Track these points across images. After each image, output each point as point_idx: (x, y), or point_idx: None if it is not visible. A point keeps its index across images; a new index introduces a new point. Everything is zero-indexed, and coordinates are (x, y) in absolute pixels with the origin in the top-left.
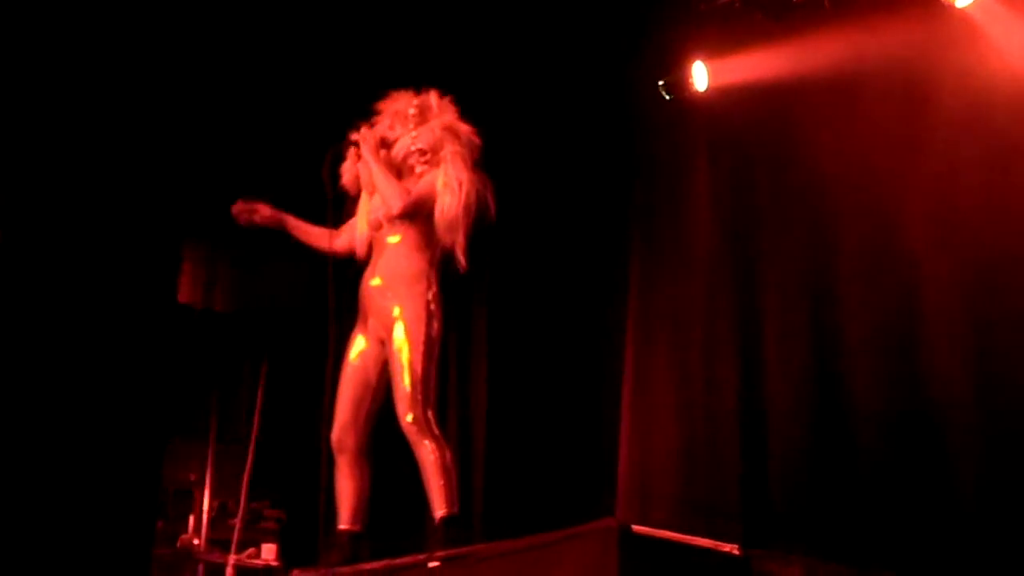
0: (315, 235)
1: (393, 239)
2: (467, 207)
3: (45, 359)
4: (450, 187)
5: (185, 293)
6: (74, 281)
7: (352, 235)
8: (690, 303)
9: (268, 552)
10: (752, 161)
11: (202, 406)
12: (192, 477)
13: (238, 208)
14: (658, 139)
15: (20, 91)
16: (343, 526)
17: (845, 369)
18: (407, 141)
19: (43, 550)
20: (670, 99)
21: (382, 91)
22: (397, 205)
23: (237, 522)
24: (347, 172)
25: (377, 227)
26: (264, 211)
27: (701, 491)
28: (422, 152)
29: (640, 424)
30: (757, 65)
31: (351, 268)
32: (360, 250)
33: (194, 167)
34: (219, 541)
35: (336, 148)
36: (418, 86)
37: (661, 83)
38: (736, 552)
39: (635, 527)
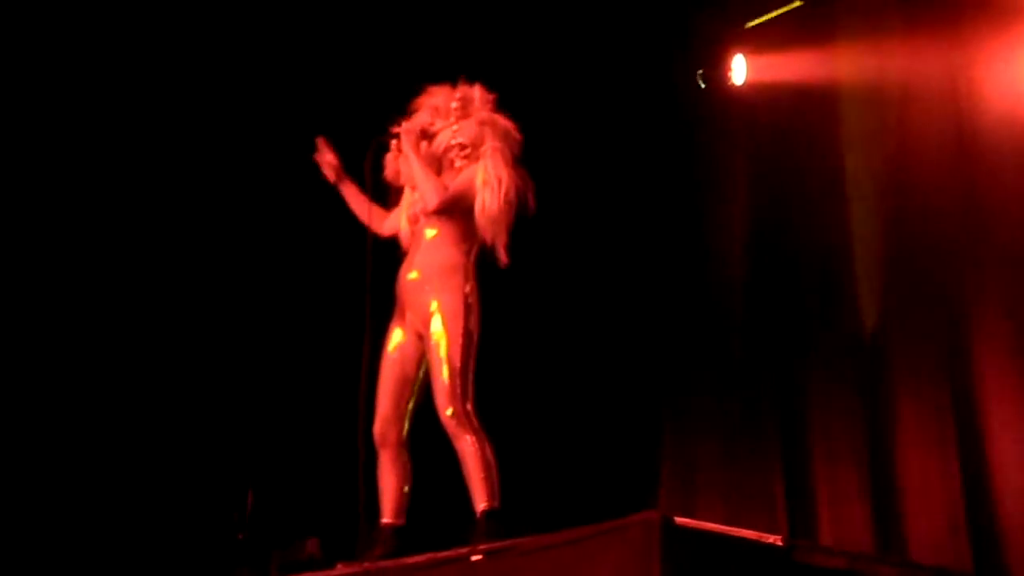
0: (365, 210)
1: (431, 233)
2: (508, 203)
3: None
4: (490, 183)
5: None
6: None
7: (398, 222)
8: (729, 293)
9: (312, 545)
10: (785, 157)
11: None
12: None
13: (318, 143)
14: (696, 130)
15: None
16: (386, 520)
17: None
18: (447, 135)
19: None
20: (705, 88)
21: (423, 85)
22: (434, 200)
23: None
24: (389, 165)
25: (415, 221)
26: (331, 161)
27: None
28: (462, 146)
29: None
30: (798, 65)
31: (390, 261)
32: (403, 243)
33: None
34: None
35: (378, 141)
36: (459, 80)
37: (699, 72)
38: (779, 543)
39: (678, 519)
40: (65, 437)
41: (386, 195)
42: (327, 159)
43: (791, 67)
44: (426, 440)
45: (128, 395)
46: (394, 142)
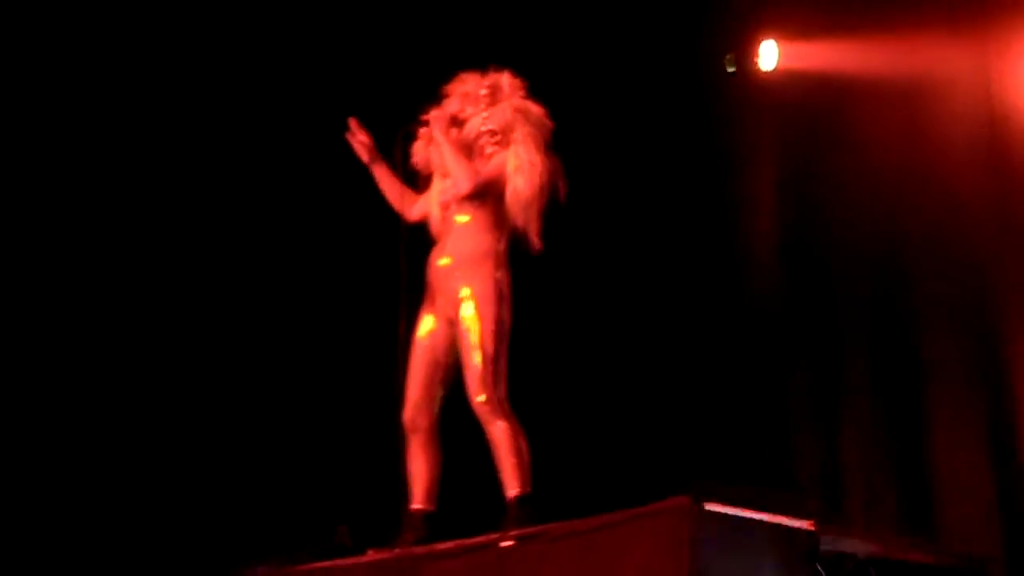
0: (397, 193)
1: (462, 219)
2: (540, 188)
3: None
4: (522, 169)
5: None
6: None
7: (427, 207)
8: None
9: (342, 532)
10: (812, 147)
11: None
12: None
13: (351, 124)
14: (724, 116)
15: None
16: (416, 505)
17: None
18: (478, 122)
19: None
20: (733, 73)
21: (453, 72)
22: (466, 185)
23: None
24: (418, 152)
25: (447, 208)
26: (365, 140)
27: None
28: (492, 133)
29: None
30: (830, 54)
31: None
32: (433, 229)
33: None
34: None
35: (407, 128)
36: (489, 67)
37: (728, 56)
38: (810, 527)
39: (707, 504)
40: (107, 426)
41: (415, 183)
42: (360, 139)
43: (823, 56)
44: (458, 426)
45: (162, 381)
46: (424, 129)
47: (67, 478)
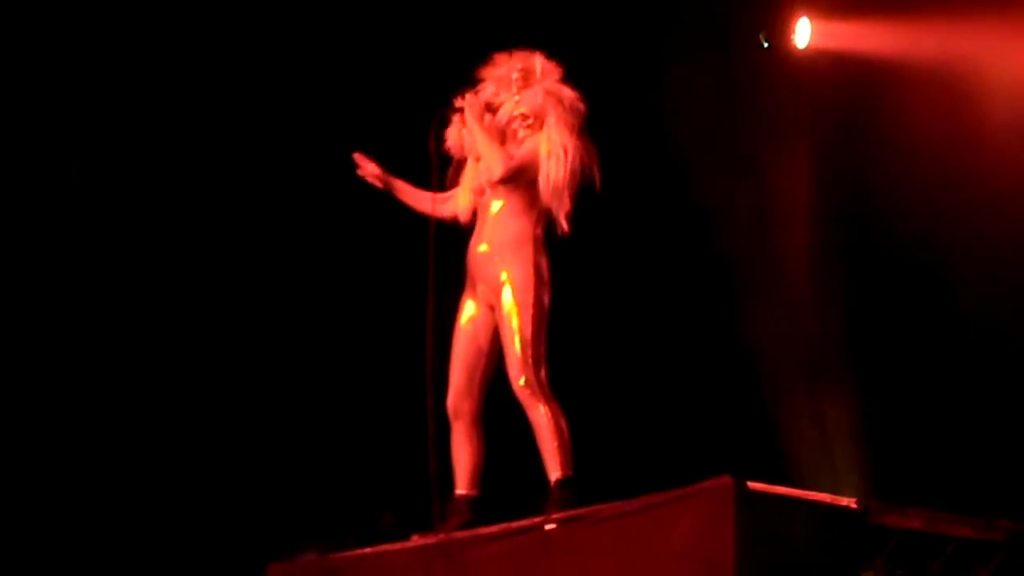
0: (420, 199)
1: (497, 205)
2: (572, 173)
3: None
4: (555, 153)
5: None
6: None
7: (456, 202)
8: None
9: (387, 518)
10: (845, 129)
11: None
12: None
13: (356, 160)
14: (758, 91)
15: None
16: (460, 491)
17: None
18: (510, 106)
19: None
20: (768, 48)
21: (487, 56)
22: (499, 169)
23: None
24: (451, 137)
25: (481, 193)
26: (373, 169)
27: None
28: (525, 117)
29: None
30: (864, 34)
31: (455, 235)
32: (464, 216)
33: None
34: None
35: (441, 113)
36: (523, 49)
37: (762, 33)
38: (854, 506)
39: (751, 483)
40: (133, 418)
41: (448, 168)
42: (369, 171)
43: (859, 35)
44: (500, 410)
45: (207, 369)
46: (457, 114)
47: (111, 467)
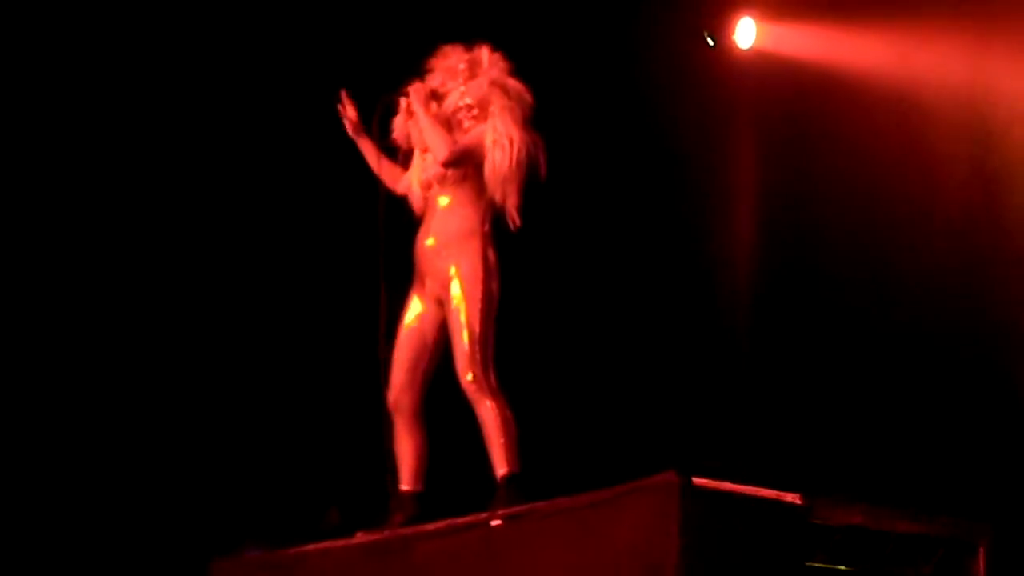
0: (382, 168)
1: (444, 199)
2: (518, 163)
3: None
4: (500, 143)
5: None
6: None
7: (411, 183)
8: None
9: (331, 513)
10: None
11: None
12: None
13: (342, 96)
14: (699, 91)
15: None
16: (404, 487)
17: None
18: (456, 96)
19: None
20: (713, 47)
21: (434, 46)
22: (442, 154)
23: None
24: (397, 126)
25: (428, 187)
26: (351, 115)
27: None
28: (470, 107)
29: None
30: (811, 37)
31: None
32: (415, 206)
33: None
34: None
35: (386, 101)
36: (470, 41)
37: (707, 31)
38: (798, 501)
39: (696, 480)
40: (93, 413)
41: (394, 157)
42: (348, 114)
43: (806, 39)
44: (446, 405)
45: (147, 367)
46: (403, 102)
47: (51, 467)
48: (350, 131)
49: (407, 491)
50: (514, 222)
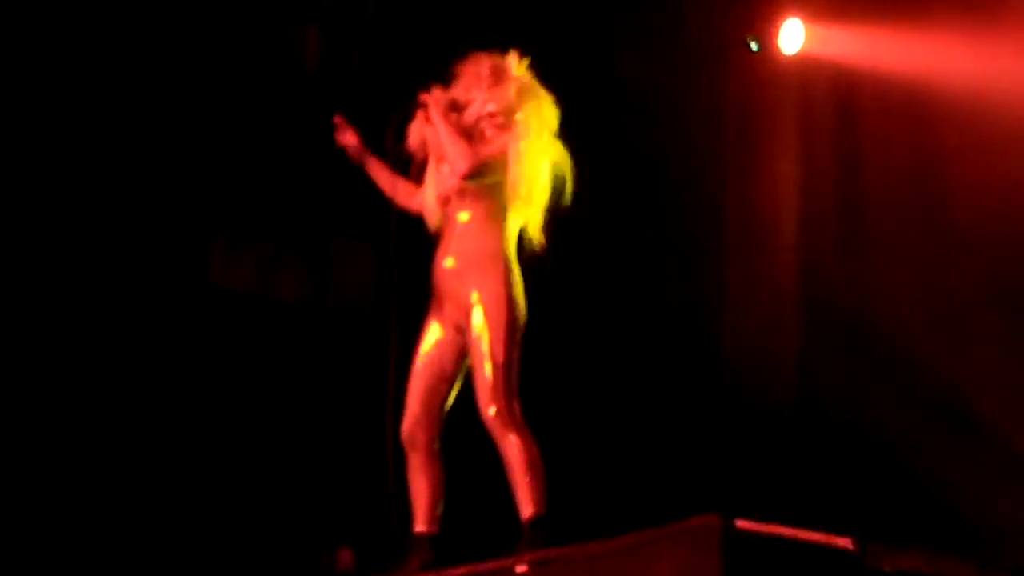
0: (395, 187)
1: (464, 215)
2: (541, 177)
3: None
4: (523, 155)
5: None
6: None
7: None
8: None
9: (345, 556)
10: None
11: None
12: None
13: (337, 123)
14: (747, 97)
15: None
16: (419, 529)
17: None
18: (479, 104)
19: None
20: (756, 52)
21: (463, 53)
22: (462, 165)
23: None
24: (413, 135)
25: (446, 202)
26: (350, 139)
27: None
28: (493, 115)
29: None
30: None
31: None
32: (430, 221)
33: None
34: None
35: (402, 109)
36: (499, 48)
37: (749, 35)
38: (850, 546)
39: (739, 522)
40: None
41: (408, 169)
42: (347, 139)
43: (862, 44)
44: (467, 440)
45: (149, 394)
46: (420, 111)
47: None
48: (353, 157)
49: (422, 533)
50: (539, 242)
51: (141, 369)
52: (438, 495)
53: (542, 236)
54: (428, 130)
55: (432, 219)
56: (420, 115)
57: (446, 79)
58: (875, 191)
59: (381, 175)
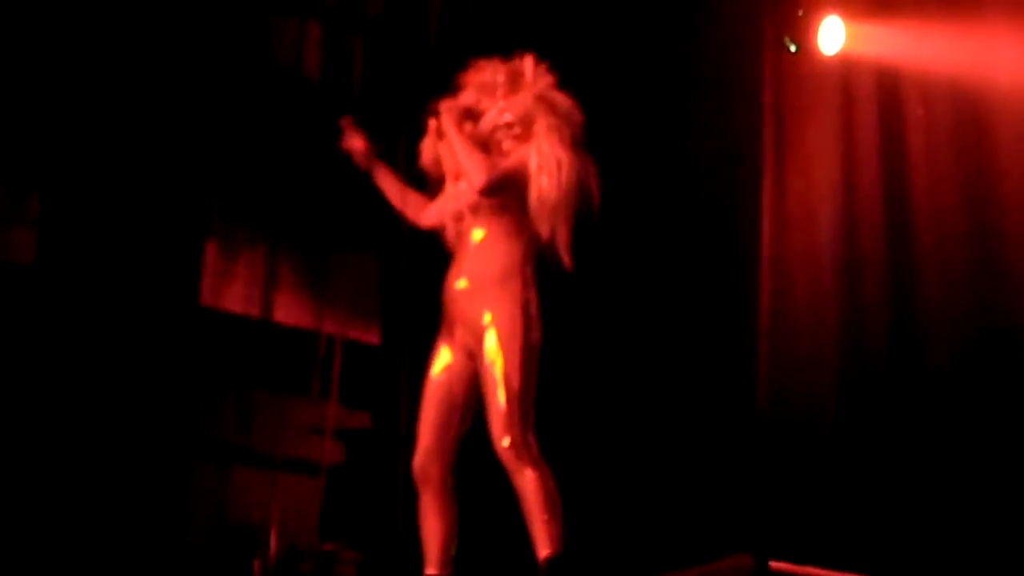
0: (404, 198)
1: (479, 233)
2: (568, 191)
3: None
4: (546, 167)
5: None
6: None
7: (442, 212)
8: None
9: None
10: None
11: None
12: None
13: (344, 127)
14: (785, 100)
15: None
16: (431, 571)
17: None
18: (495, 114)
19: None
20: (795, 52)
21: (470, 60)
22: (480, 180)
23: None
24: (426, 150)
25: (460, 218)
26: (357, 145)
27: None
28: (510, 125)
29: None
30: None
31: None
32: (448, 243)
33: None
34: None
35: (413, 121)
36: (511, 54)
37: (786, 36)
38: None
39: (773, 562)
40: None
41: (423, 187)
42: (354, 144)
43: (906, 42)
44: (479, 474)
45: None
46: (434, 123)
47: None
48: (361, 163)
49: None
50: (566, 261)
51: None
52: (452, 535)
53: (570, 255)
54: (441, 144)
55: (449, 239)
56: (433, 127)
57: (459, 86)
58: (923, 200)
59: (390, 185)
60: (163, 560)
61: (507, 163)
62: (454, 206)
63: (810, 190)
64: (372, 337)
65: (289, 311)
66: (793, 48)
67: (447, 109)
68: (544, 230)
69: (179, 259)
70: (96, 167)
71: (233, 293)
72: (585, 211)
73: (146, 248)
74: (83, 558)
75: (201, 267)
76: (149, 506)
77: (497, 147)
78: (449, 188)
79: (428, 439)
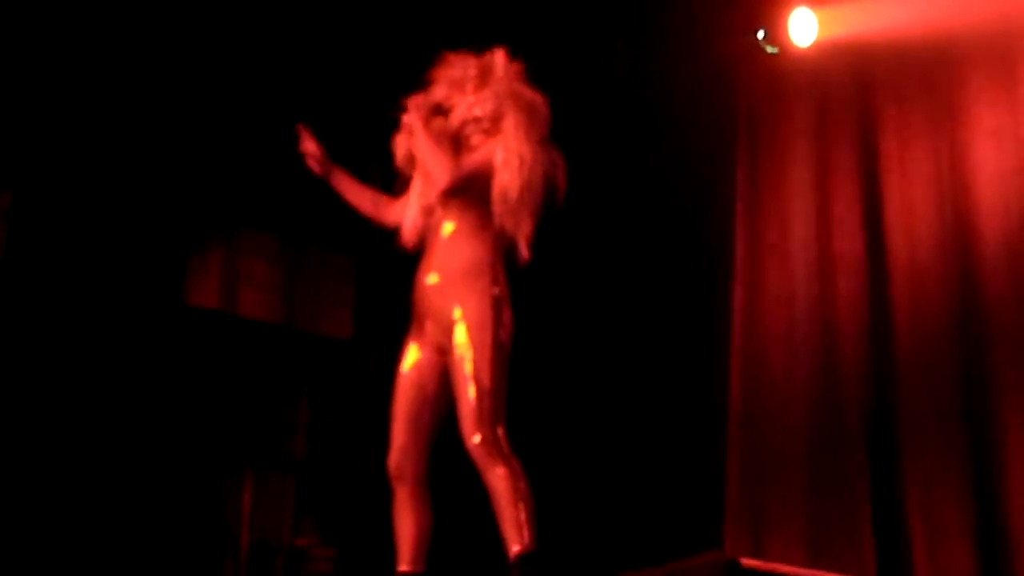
0: (362, 196)
1: (449, 227)
2: (531, 185)
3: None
4: (511, 162)
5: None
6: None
7: (403, 211)
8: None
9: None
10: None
11: (239, 428)
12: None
13: (300, 132)
14: (758, 96)
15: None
16: (403, 568)
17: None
18: (463, 109)
19: None
20: (772, 53)
21: (440, 54)
22: (443, 178)
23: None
24: (399, 148)
25: (429, 213)
26: (314, 149)
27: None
28: (479, 120)
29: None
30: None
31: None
32: (408, 237)
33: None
34: None
35: (385, 118)
36: (481, 48)
37: (759, 34)
38: None
39: (744, 560)
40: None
41: (397, 185)
42: (310, 149)
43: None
44: (450, 471)
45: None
46: (404, 119)
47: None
48: (317, 169)
49: (407, 573)
50: (523, 254)
51: (113, 389)
52: (425, 532)
53: (528, 248)
54: (412, 141)
55: (411, 237)
56: (402, 124)
57: (429, 81)
58: (898, 197)
59: (348, 187)
60: (137, 556)
61: (471, 160)
62: (424, 201)
63: (785, 187)
64: (343, 332)
65: (259, 307)
66: (771, 49)
67: (415, 106)
68: (507, 223)
69: (155, 256)
70: (69, 163)
71: (207, 288)
72: (551, 206)
73: (123, 246)
74: (50, 551)
75: (179, 264)
76: (121, 503)
77: (466, 142)
78: (417, 183)
79: (402, 437)
